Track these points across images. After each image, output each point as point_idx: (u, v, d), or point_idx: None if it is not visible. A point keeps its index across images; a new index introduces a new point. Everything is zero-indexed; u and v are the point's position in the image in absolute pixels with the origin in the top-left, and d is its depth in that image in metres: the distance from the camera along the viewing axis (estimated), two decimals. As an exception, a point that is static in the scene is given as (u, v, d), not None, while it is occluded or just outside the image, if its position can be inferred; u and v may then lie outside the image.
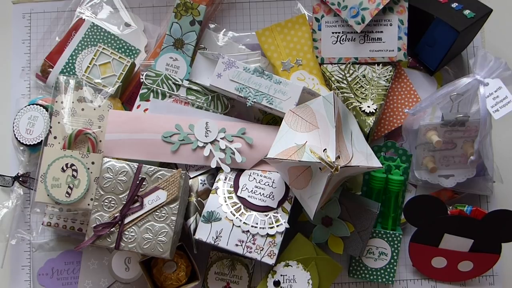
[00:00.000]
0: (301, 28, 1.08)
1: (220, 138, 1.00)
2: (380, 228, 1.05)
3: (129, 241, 0.92)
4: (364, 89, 1.05)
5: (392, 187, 1.04)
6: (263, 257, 0.95)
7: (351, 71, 1.07)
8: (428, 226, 1.03)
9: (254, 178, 0.99)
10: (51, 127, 1.01)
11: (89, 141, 1.00)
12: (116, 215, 0.93)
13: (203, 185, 1.01)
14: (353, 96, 1.04)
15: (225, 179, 0.99)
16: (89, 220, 0.93)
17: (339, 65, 1.08)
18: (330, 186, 0.90)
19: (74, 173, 0.98)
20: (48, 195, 0.97)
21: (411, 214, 1.03)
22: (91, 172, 0.99)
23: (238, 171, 1.00)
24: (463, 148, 1.03)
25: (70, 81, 1.02)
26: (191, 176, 1.01)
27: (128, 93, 1.08)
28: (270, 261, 0.95)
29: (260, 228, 0.95)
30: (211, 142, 1.00)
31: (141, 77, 1.03)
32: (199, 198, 1.00)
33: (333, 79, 1.06)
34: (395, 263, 1.05)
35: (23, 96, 1.12)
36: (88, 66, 1.05)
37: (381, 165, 0.92)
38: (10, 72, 1.13)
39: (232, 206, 0.97)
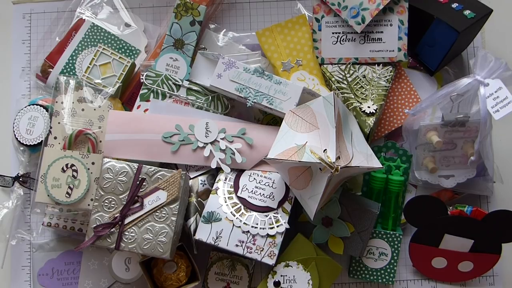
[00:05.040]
0: (301, 29, 1.08)
1: (220, 139, 1.00)
2: (380, 229, 1.05)
3: (129, 241, 0.92)
4: (364, 89, 1.05)
5: (392, 188, 1.04)
6: (263, 257, 0.95)
7: (351, 72, 1.07)
8: (428, 226, 1.03)
9: (254, 179, 0.99)
10: (51, 127, 1.01)
11: (89, 142, 1.00)
12: (116, 215, 0.93)
13: (203, 186, 1.01)
14: (353, 96, 1.04)
15: (225, 179, 0.99)
16: (89, 221, 0.93)
17: (339, 65, 1.08)
18: (330, 186, 0.90)
19: (74, 173, 0.98)
20: (48, 195, 0.97)
21: (411, 214, 1.03)
22: (91, 173, 0.99)
23: (238, 172, 1.00)
24: (463, 148, 1.03)
25: (70, 81, 1.02)
26: (191, 177, 1.01)
27: (128, 93, 1.08)
28: (270, 261, 0.95)
29: (260, 228, 0.96)
30: (211, 143, 1.00)
31: (141, 77, 1.03)
32: (199, 199, 1.00)
33: (333, 79, 1.06)
34: (395, 264, 1.05)
35: (23, 96, 1.12)
36: (88, 67, 1.05)
37: (381, 166, 0.92)
38: (10, 72, 1.13)
39: (232, 207, 0.97)
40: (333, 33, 1.07)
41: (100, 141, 1.01)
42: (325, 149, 0.88)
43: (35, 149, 1.05)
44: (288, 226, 0.96)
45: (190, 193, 1.00)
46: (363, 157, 0.92)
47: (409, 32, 1.05)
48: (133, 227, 0.93)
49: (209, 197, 0.98)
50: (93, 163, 0.99)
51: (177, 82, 1.03)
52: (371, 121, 1.01)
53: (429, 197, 1.02)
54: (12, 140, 1.06)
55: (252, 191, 0.98)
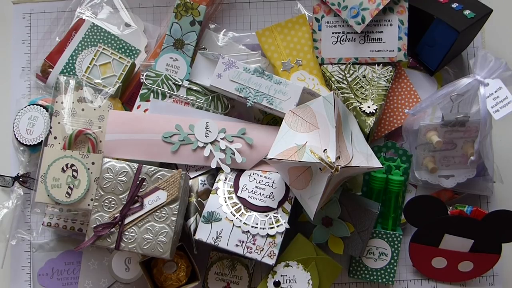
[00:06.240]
0: (301, 28, 1.08)
1: (220, 139, 1.00)
2: (380, 229, 1.05)
3: (129, 241, 0.92)
4: (364, 89, 1.05)
5: (392, 188, 1.04)
6: (263, 257, 0.95)
7: (351, 71, 1.07)
8: (428, 226, 1.03)
9: (254, 179, 0.99)
10: (51, 127, 1.01)
11: (89, 142, 1.00)
12: (116, 215, 0.93)
13: (203, 186, 1.01)
14: (353, 96, 1.04)
15: (225, 179, 0.99)
16: (89, 221, 0.93)
17: (339, 65, 1.08)
18: (330, 186, 0.90)
19: (74, 173, 0.98)
20: (48, 195, 0.97)
21: (411, 214, 1.03)
22: (91, 173, 0.99)
23: (238, 172, 1.00)
24: (463, 148, 1.03)
25: (70, 81, 1.02)
26: (191, 177, 1.01)
27: (128, 93, 1.08)
28: (270, 261, 0.95)
29: (260, 228, 0.95)
30: (211, 143, 1.00)
31: (141, 77, 1.03)
32: (199, 199, 1.00)
33: (333, 79, 1.06)
34: (395, 264, 1.05)
35: (23, 96, 1.12)
36: (88, 67, 1.05)
37: (381, 166, 0.92)
38: (10, 72, 1.13)
39: (232, 207, 0.97)
40: (333, 33, 1.07)
41: (100, 141, 1.01)
42: (325, 149, 0.88)
43: (35, 149, 1.05)
44: (288, 226, 0.96)
45: (190, 193, 1.00)
46: (363, 157, 0.92)
47: (409, 32, 1.05)
48: (133, 227, 0.93)
49: (209, 197, 0.98)
50: (93, 163, 0.99)
51: (177, 82, 1.03)
52: (371, 121, 1.01)
53: (429, 197, 1.02)
54: (12, 140, 1.07)
55: (252, 191, 0.98)
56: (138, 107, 1.03)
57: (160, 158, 0.99)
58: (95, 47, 1.06)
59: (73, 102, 1.02)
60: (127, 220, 0.93)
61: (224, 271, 1.02)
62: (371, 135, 1.05)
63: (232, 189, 0.99)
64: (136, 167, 0.94)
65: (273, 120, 1.07)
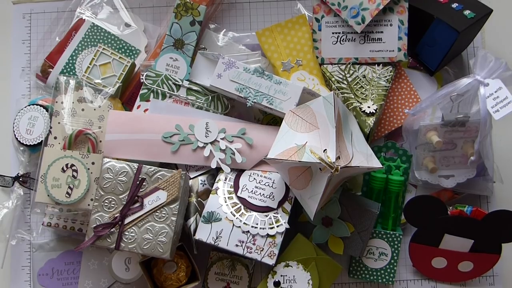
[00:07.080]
0: (301, 29, 1.08)
1: (220, 139, 1.00)
2: (380, 229, 1.05)
3: (129, 241, 0.92)
4: (364, 89, 1.05)
5: (392, 188, 1.04)
6: (263, 257, 0.95)
7: (351, 72, 1.07)
8: (428, 226, 1.03)
9: (254, 179, 0.99)
10: (51, 127, 1.01)
11: (89, 142, 1.00)
12: (116, 215, 0.93)
13: (203, 186, 1.01)
14: (353, 96, 1.04)
15: (225, 179, 0.99)
16: (89, 221, 0.93)
17: (339, 65, 1.08)
18: (330, 186, 0.90)
19: (74, 173, 0.98)
20: (48, 195, 0.97)
21: (411, 214, 1.03)
22: (91, 173, 0.99)
23: (238, 172, 1.00)
24: (463, 148, 1.03)
25: (70, 81, 1.02)
26: (191, 177, 1.01)
27: (128, 93, 1.08)
28: (270, 261, 0.95)
29: (260, 228, 0.95)
30: (211, 143, 1.00)
31: (141, 77, 1.03)
32: (199, 199, 1.00)
33: (333, 79, 1.06)
34: (395, 264, 1.05)
35: (23, 96, 1.12)
36: (88, 67, 1.05)
37: (381, 166, 0.92)
38: (10, 72, 1.13)
39: (232, 207, 0.97)
40: (333, 33, 1.07)
41: (100, 141, 1.01)
42: (325, 149, 0.88)
43: (35, 149, 1.05)
44: (288, 226, 0.96)
45: (190, 193, 1.00)
46: (363, 157, 0.92)
47: (409, 32, 1.05)
48: (133, 227, 0.93)
49: (209, 197, 0.98)
50: (93, 163, 0.99)
51: (177, 82, 1.03)
52: (371, 121, 1.01)
53: (429, 197, 1.02)
54: (12, 140, 1.06)
55: (252, 191, 0.98)
56: (138, 107, 1.03)
57: (160, 158, 0.99)
58: (95, 47, 1.06)
59: (73, 102, 1.02)
60: (127, 220, 0.93)
61: (224, 271, 1.02)
62: (371, 135, 1.05)
63: (232, 189, 0.99)
64: (136, 167, 0.94)
65: (273, 120, 1.07)
